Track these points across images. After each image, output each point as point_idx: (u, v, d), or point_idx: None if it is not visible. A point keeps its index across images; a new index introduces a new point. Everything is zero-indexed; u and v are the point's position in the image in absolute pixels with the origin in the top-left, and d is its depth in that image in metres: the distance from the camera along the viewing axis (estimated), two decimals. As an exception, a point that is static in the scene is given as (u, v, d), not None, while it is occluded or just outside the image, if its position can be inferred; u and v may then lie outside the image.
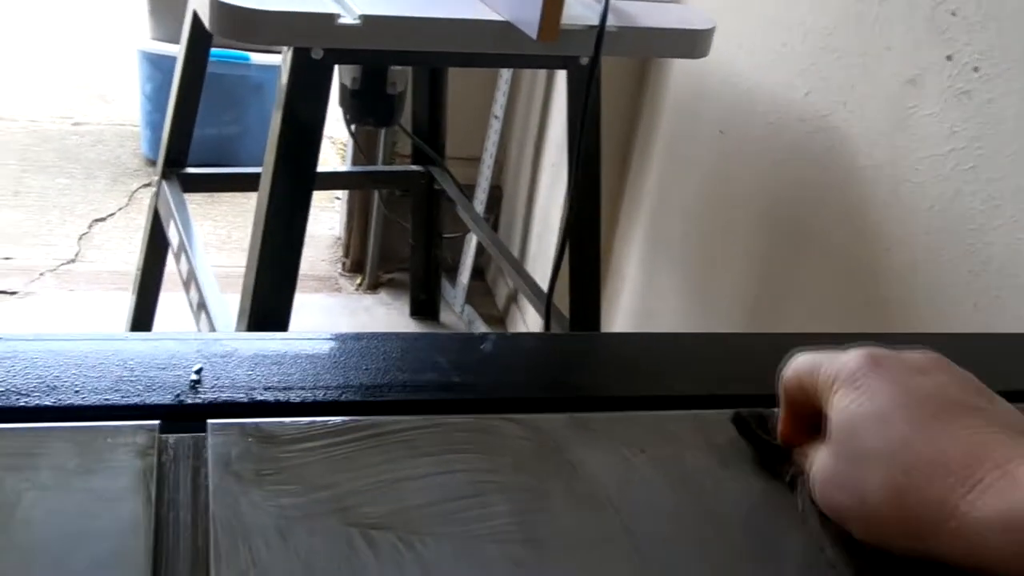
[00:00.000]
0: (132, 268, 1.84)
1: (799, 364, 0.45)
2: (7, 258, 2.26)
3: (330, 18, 1.09)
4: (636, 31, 1.23)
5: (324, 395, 0.48)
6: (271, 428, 0.44)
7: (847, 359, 0.43)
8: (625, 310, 1.84)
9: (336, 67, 1.24)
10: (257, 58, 2.52)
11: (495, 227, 2.30)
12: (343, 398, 0.48)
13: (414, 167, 1.98)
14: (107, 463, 0.41)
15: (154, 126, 2.63)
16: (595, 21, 1.17)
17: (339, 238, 2.45)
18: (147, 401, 0.45)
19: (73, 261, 2.29)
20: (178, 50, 1.59)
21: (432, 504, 0.41)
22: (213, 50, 1.59)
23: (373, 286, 2.31)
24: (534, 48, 1.13)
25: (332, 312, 2.22)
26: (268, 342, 0.52)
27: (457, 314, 2.24)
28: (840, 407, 0.42)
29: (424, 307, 2.20)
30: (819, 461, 0.43)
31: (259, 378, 0.48)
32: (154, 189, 1.71)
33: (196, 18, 1.48)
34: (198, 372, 0.48)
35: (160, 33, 2.59)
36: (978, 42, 0.99)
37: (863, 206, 1.17)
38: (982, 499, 0.37)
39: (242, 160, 2.51)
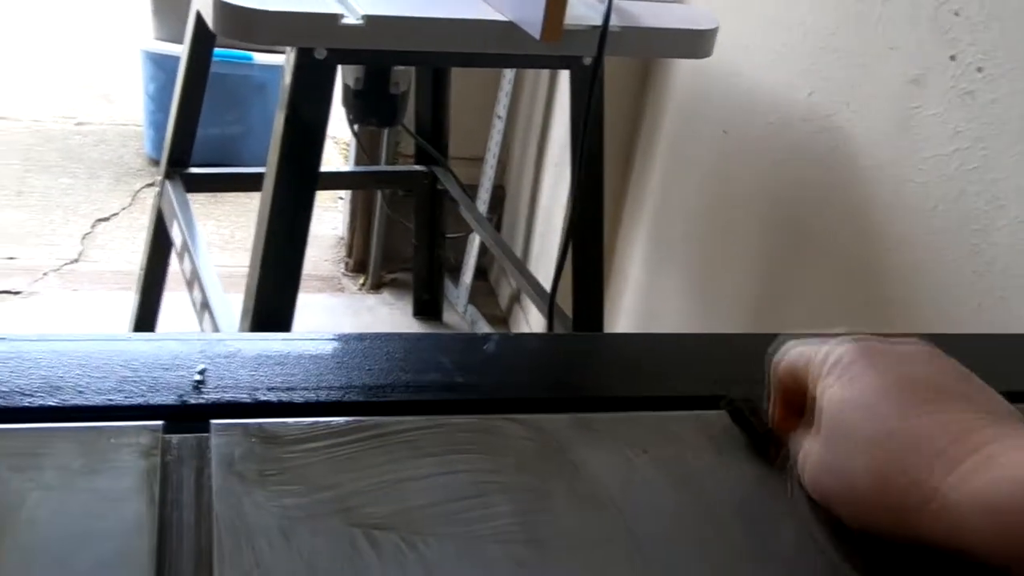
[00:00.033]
0: (135, 268, 1.84)
1: (791, 352, 0.46)
2: (11, 258, 2.27)
3: (333, 18, 1.09)
4: (639, 31, 1.23)
5: (327, 395, 0.48)
6: (274, 428, 0.44)
7: (838, 348, 0.43)
8: (628, 310, 1.84)
9: (339, 67, 1.24)
10: (260, 58, 2.52)
11: (498, 227, 2.30)
12: (346, 398, 0.48)
13: (417, 167, 1.98)
14: (111, 463, 0.41)
15: (157, 126, 2.63)
16: (598, 21, 1.18)
17: (342, 238, 2.45)
18: (151, 401, 0.46)
19: (76, 261, 2.29)
20: (181, 50, 1.60)
21: (435, 504, 0.41)
22: (216, 50, 1.59)
23: (376, 286, 2.31)
24: (537, 48, 1.13)
25: (335, 312, 2.22)
26: (271, 342, 0.52)
27: (460, 314, 2.24)
28: (830, 395, 0.42)
29: (427, 307, 2.20)
30: (808, 447, 0.44)
31: (262, 378, 0.48)
32: (157, 189, 1.71)
33: (200, 18, 1.48)
34: (201, 372, 0.48)
35: (163, 33, 2.59)
36: (982, 42, 0.99)
37: (866, 206, 1.17)
38: (963, 481, 0.37)
39: (245, 160, 2.51)
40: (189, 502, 0.40)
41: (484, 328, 2.14)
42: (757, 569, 0.41)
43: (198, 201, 1.75)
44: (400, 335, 0.54)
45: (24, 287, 2.16)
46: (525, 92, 2.17)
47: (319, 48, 1.14)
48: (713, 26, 1.27)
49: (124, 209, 2.54)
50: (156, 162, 2.64)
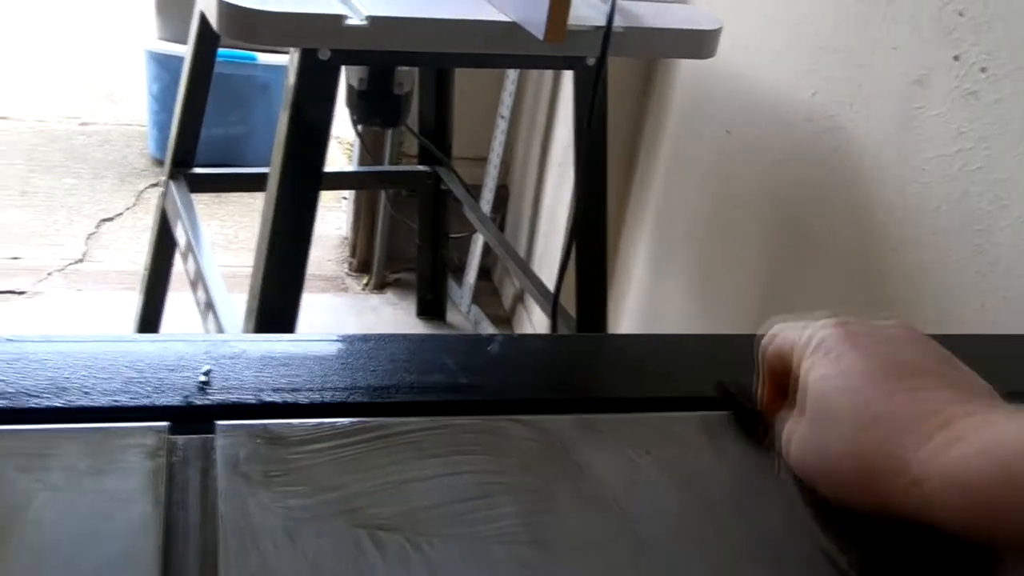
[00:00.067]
0: (140, 268, 1.84)
1: (778, 334, 0.47)
2: (15, 258, 2.27)
3: (337, 19, 1.10)
4: (643, 31, 1.23)
5: (332, 396, 0.48)
6: (279, 429, 0.44)
7: (822, 330, 0.45)
8: (631, 310, 1.84)
9: (343, 68, 1.25)
10: (264, 58, 2.52)
11: (501, 227, 2.31)
12: (351, 399, 0.48)
13: (421, 167, 1.99)
14: (117, 464, 0.41)
15: (161, 126, 2.64)
16: (601, 22, 1.18)
17: (346, 238, 2.45)
18: (156, 402, 0.46)
19: (81, 261, 2.29)
20: (185, 50, 1.60)
21: (439, 505, 0.41)
22: (220, 50, 1.59)
23: (380, 286, 2.31)
24: (541, 49, 1.13)
25: (339, 312, 2.22)
26: (276, 344, 0.52)
27: (463, 314, 2.24)
28: (813, 375, 0.43)
29: (430, 307, 2.20)
30: (791, 427, 0.44)
31: (267, 379, 0.48)
32: (161, 189, 1.72)
33: (204, 19, 1.48)
34: (207, 374, 0.48)
35: (167, 33, 2.59)
36: (985, 42, 0.99)
37: (869, 206, 1.17)
38: (933, 456, 0.38)
39: (248, 160, 2.51)
40: (194, 503, 0.40)
41: (488, 328, 2.14)
42: (759, 570, 0.41)
43: (202, 201, 1.76)
44: (404, 336, 0.54)
45: (28, 287, 2.16)
46: (528, 92, 2.17)
47: (323, 49, 1.15)
48: (716, 26, 1.27)
49: (128, 209, 2.54)
50: (160, 162, 2.64)
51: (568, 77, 1.49)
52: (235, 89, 2.55)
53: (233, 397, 0.47)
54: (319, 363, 0.50)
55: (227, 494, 0.40)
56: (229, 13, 1.10)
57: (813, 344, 0.44)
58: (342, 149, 2.90)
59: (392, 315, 2.22)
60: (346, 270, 2.38)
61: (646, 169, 1.80)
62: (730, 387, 0.50)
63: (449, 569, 0.38)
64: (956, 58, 1.02)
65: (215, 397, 0.47)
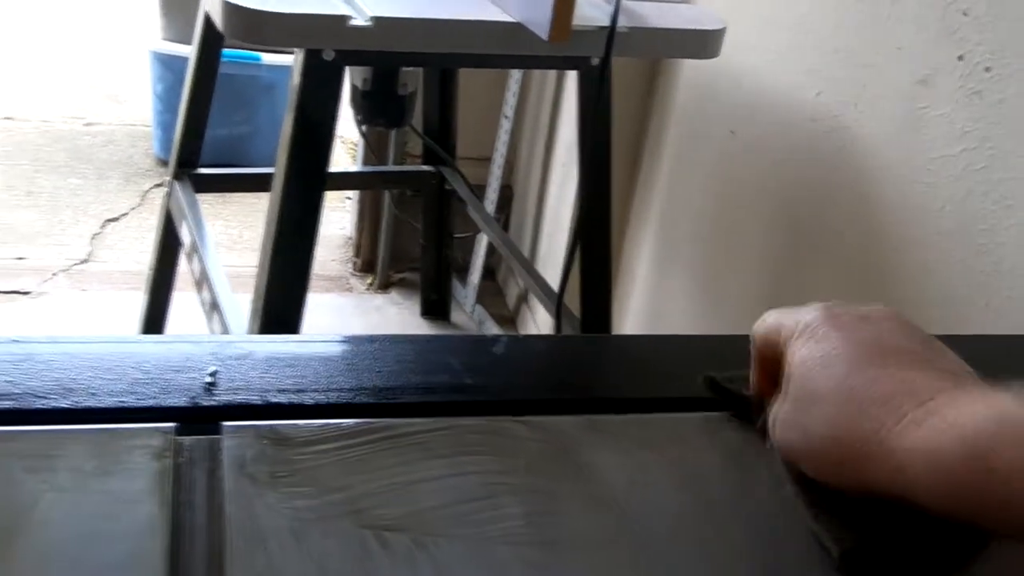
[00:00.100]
0: (144, 268, 1.85)
1: (767, 321, 0.48)
2: (20, 258, 2.27)
3: (341, 20, 1.10)
4: (647, 32, 1.23)
5: (338, 397, 0.48)
6: (285, 430, 0.45)
7: (808, 314, 0.46)
8: (635, 310, 1.84)
9: (347, 68, 1.25)
10: (268, 58, 2.52)
11: (505, 227, 2.31)
12: (356, 400, 0.48)
13: (425, 167, 1.99)
14: (124, 465, 0.41)
15: (165, 126, 2.64)
16: (606, 22, 1.18)
17: (350, 238, 2.45)
18: (163, 403, 0.46)
19: (86, 261, 2.30)
20: (190, 51, 1.60)
21: (445, 506, 0.41)
22: (224, 50, 1.60)
23: (384, 286, 2.31)
24: (545, 49, 1.13)
25: (343, 312, 2.23)
26: (282, 344, 0.52)
27: (468, 314, 2.24)
28: (796, 355, 0.44)
29: (435, 307, 2.20)
30: (776, 406, 0.45)
31: (273, 380, 0.49)
32: (166, 189, 1.72)
33: (208, 19, 1.48)
34: (213, 375, 0.48)
35: (171, 34, 2.59)
36: (990, 42, 0.99)
37: (874, 206, 1.17)
38: (906, 431, 0.39)
39: (252, 160, 2.51)
40: (201, 504, 0.40)
41: (492, 328, 2.14)
42: (762, 571, 0.41)
43: (206, 201, 1.76)
44: (410, 337, 0.54)
45: (33, 287, 2.17)
46: (532, 92, 2.17)
47: (327, 49, 1.15)
48: (720, 26, 1.27)
49: (133, 209, 2.54)
50: (164, 162, 2.65)
51: (572, 77, 1.49)
52: (239, 89, 2.55)
53: (239, 398, 0.47)
54: (325, 364, 0.51)
55: (234, 495, 0.40)
56: (233, 13, 1.11)
57: (799, 327, 0.45)
58: (346, 149, 2.90)
59: (396, 315, 2.23)
60: (350, 270, 2.38)
61: (650, 169, 1.80)
62: (719, 379, 0.51)
63: (455, 570, 0.38)
64: (960, 58, 1.02)
65: (221, 398, 0.47)
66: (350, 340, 0.55)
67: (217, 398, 0.47)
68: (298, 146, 1.20)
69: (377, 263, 2.31)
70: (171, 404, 0.46)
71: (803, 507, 0.43)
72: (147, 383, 0.47)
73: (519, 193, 2.29)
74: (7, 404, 0.44)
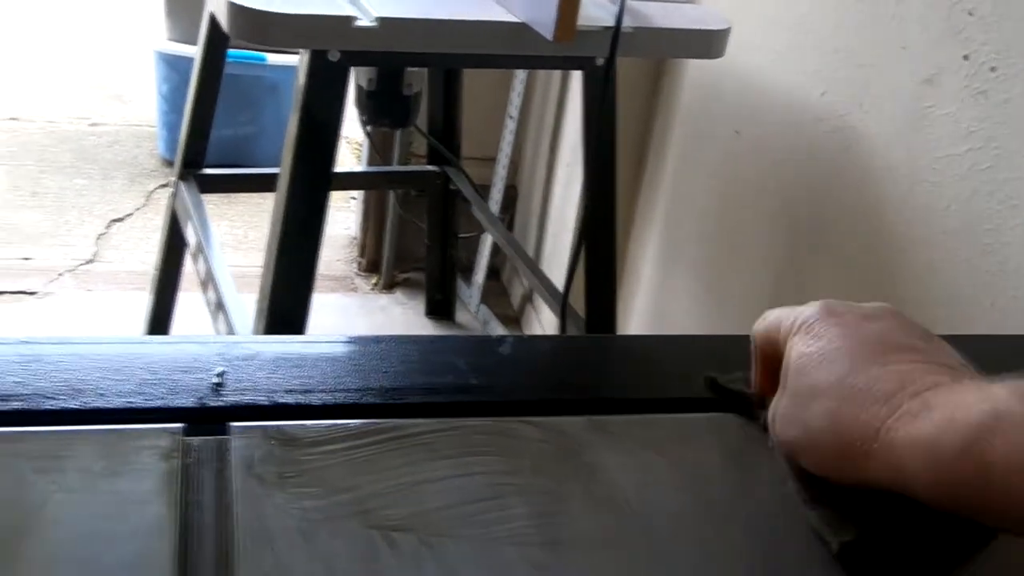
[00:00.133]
0: (150, 268, 1.85)
1: (768, 319, 0.49)
2: (26, 258, 2.28)
3: (346, 20, 1.10)
4: (651, 32, 1.23)
5: (344, 398, 0.48)
6: (293, 431, 0.45)
7: (806, 311, 0.46)
8: (640, 310, 1.84)
9: (352, 68, 1.25)
10: (273, 59, 2.53)
11: (510, 227, 2.31)
12: (363, 401, 0.48)
13: (429, 167, 1.99)
14: (132, 466, 0.41)
15: (171, 127, 2.64)
16: (610, 22, 1.18)
17: (355, 238, 2.45)
18: (170, 404, 0.46)
19: (91, 261, 2.30)
20: (195, 52, 1.60)
21: (451, 506, 0.41)
22: (229, 51, 1.60)
23: (389, 286, 2.32)
24: (550, 49, 1.13)
25: (348, 312, 2.23)
26: (289, 345, 0.53)
27: (472, 314, 2.24)
28: (795, 351, 0.45)
29: (439, 307, 2.20)
30: (776, 401, 0.46)
31: (280, 381, 0.49)
32: (171, 189, 1.72)
33: (213, 20, 1.49)
34: (220, 375, 0.48)
35: (176, 34, 2.60)
36: (995, 41, 0.99)
37: (879, 206, 1.16)
38: (902, 424, 0.39)
39: (257, 160, 2.52)
40: (209, 504, 0.40)
41: (496, 328, 2.14)
42: (769, 571, 0.41)
43: (212, 201, 1.76)
44: (416, 338, 0.54)
45: (39, 287, 2.17)
46: (537, 92, 2.17)
47: (333, 50, 1.15)
48: (725, 26, 1.27)
49: (138, 210, 2.55)
50: (170, 163, 2.65)
51: (576, 76, 1.49)
52: (245, 90, 2.55)
53: (247, 398, 0.47)
54: (331, 364, 0.51)
55: (242, 495, 0.40)
56: (239, 14, 1.11)
57: (798, 323, 0.46)
58: (351, 149, 2.90)
59: (401, 315, 2.23)
60: (355, 270, 2.38)
61: (655, 169, 1.80)
62: (720, 379, 0.52)
63: (461, 570, 0.38)
64: (966, 57, 1.02)
65: (229, 399, 0.47)
66: (356, 341, 0.55)
67: (224, 399, 0.47)
68: (303, 146, 1.21)
69: (382, 263, 2.31)
70: (179, 405, 0.46)
71: (802, 501, 0.43)
72: (155, 384, 0.47)
73: (524, 193, 2.29)
74: (16, 405, 0.45)
